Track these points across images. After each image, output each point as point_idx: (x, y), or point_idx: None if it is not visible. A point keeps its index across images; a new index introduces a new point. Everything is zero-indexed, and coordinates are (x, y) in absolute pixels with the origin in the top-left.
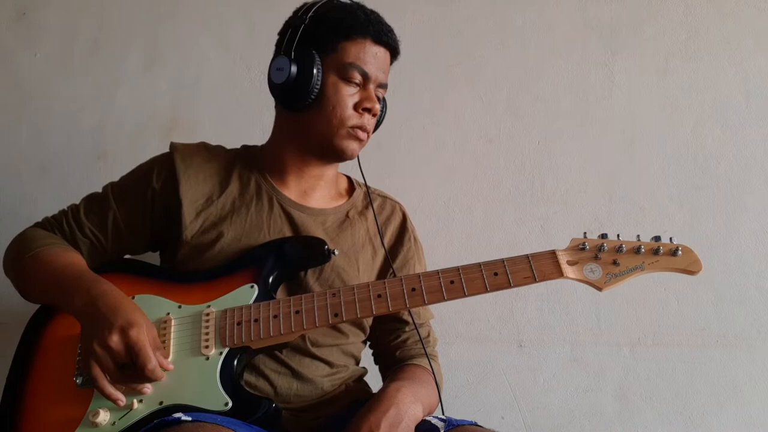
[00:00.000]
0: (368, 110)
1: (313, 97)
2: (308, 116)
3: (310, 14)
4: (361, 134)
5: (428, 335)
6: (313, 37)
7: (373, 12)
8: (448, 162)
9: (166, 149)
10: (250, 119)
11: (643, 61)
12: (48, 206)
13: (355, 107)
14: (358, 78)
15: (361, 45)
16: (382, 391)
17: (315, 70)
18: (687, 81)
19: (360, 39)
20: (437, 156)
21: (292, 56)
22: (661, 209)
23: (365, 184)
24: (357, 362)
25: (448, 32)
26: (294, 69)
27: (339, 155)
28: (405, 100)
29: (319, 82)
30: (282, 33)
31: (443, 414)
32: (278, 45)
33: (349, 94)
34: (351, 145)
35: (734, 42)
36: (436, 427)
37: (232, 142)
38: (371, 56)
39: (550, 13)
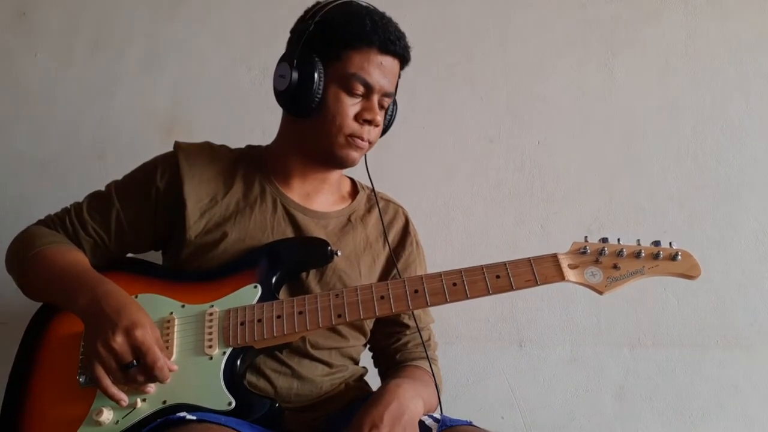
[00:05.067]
0: (369, 122)
1: (314, 105)
2: (310, 124)
3: (316, 19)
4: (361, 143)
5: (429, 339)
6: (318, 44)
7: (382, 18)
8: (448, 162)
9: (166, 149)
10: (250, 119)
11: (643, 61)
12: (48, 206)
13: (356, 118)
14: (360, 89)
15: (365, 54)
16: (382, 387)
17: (316, 79)
18: (687, 81)
19: (365, 48)
20: (437, 156)
21: (295, 63)
22: (661, 209)
23: (372, 188)
24: (356, 363)
25: (448, 32)
26: (295, 76)
27: (339, 163)
28: (405, 99)
29: (320, 91)
30: (290, 36)
31: (440, 413)
32: (286, 48)
33: (351, 104)
34: (351, 154)
35: (734, 42)
36: (429, 428)
37: (232, 142)
38: (375, 66)
39: (550, 13)
